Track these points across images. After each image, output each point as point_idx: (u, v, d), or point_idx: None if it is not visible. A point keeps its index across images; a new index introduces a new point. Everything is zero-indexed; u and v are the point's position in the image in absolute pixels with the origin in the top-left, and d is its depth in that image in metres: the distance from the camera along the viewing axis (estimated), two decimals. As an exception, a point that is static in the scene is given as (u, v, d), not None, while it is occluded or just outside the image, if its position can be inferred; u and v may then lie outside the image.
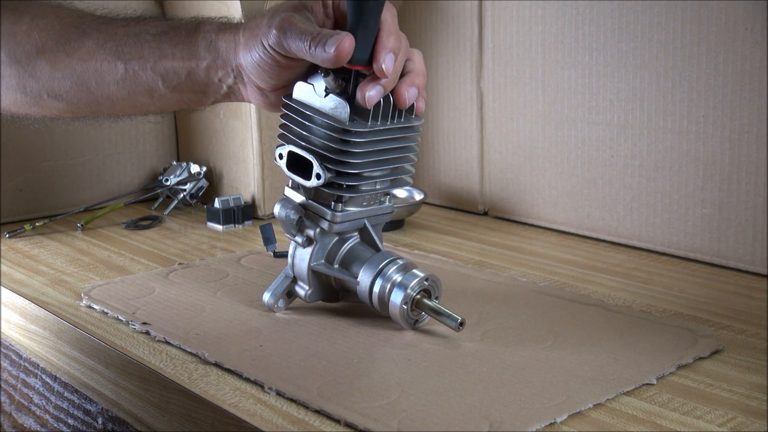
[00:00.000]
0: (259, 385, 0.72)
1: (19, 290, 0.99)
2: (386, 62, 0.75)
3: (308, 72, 0.81)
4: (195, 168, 1.34)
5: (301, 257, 0.85)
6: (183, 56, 0.82)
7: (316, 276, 0.85)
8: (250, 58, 0.79)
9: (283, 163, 0.83)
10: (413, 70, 0.79)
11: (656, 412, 0.66)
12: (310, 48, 0.75)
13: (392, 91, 0.78)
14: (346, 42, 0.74)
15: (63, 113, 0.89)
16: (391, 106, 0.80)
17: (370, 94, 0.76)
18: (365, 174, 0.81)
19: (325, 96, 0.80)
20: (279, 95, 0.82)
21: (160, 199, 1.36)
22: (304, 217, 0.83)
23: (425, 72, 0.80)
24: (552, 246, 1.12)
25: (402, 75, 0.79)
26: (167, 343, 0.81)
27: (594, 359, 0.75)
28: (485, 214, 1.29)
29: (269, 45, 0.77)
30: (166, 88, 0.83)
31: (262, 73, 0.79)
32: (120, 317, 0.88)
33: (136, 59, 0.83)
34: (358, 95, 0.77)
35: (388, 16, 0.76)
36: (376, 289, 0.81)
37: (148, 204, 1.38)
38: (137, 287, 0.97)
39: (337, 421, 0.66)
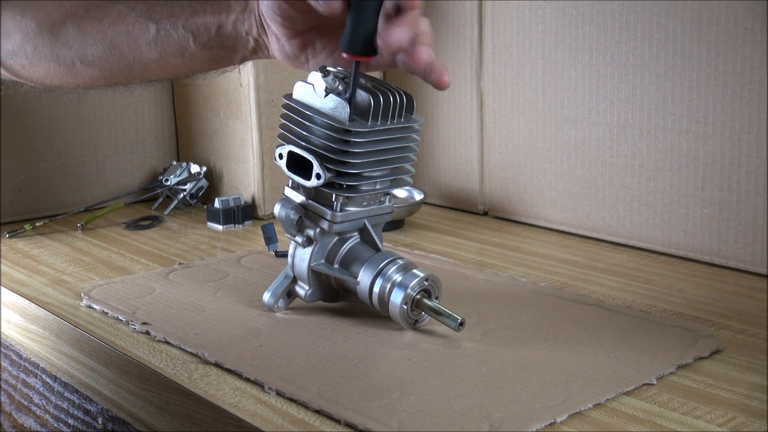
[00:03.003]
0: (259, 385, 0.72)
1: (19, 290, 0.99)
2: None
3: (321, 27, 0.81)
4: (195, 168, 1.34)
5: (301, 257, 0.85)
6: (213, 10, 0.82)
7: (316, 276, 0.85)
8: (266, 2, 0.79)
9: (283, 163, 0.83)
10: (424, 32, 0.78)
11: (656, 412, 0.66)
12: None
13: (409, 54, 0.77)
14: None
15: (96, 81, 0.90)
16: (391, 106, 0.80)
17: (400, 36, 0.75)
18: (365, 174, 0.81)
19: (325, 96, 0.80)
20: (295, 46, 0.82)
21: (160, 199, 1.36)
22: (304, 217, 0.83)
23: (434, 34, 0.79)
24: (552, 246, 1.12)
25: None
26: (167, 343, 0.81)
27: (594, 359, 0.75)
28: (485, 214, 1.29)
29: None
30: (197, 45, 0.83)
31: (276, 17, 0.79)
32: (120, 317, 0.88)
33: (167, 18, 0.84)
34: (392, 35, 0.75)
35: None
36: (376, 289, 0.81)
37: (148, 204, 1.38)
38: (137, 287, 0.97)
39: (337, 421, 0.66)
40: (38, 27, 0.88)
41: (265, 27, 0.81)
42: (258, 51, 0.84)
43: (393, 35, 0.75)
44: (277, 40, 0.82)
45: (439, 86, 0.80)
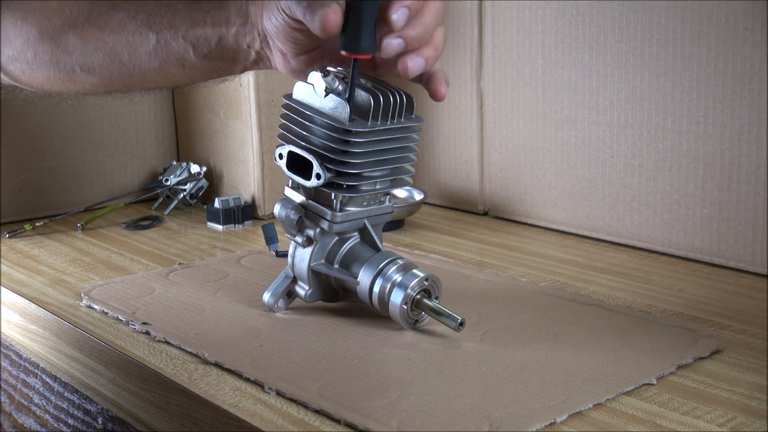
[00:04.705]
0: (259, 385, 0.72)
1: (19, 290, 0.99)
2: (398, 14, 0.74)
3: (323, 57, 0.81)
4: (195, 168, 1.34)
5: (301, 257, 0.85)
6: (214, 22, 0.82)
7: (316, 276, 0.85)
8: (270, 22, 0.79)
9: (283, 163, 0.83)
10: (428, 42, 0.78)
11: (656, 412, 0.66)
12: (305, 15, 0.75)
13: (398, 60, 0.77)
14: (330, 14, 0.73)
15: (96, 88, 0.90)
16: (391, 106, 0.80)
17: (390, 42, 0.75)
18: (365, 174, 0.81)
19: (325, 96, 0.80)
20: (301, 62, 0.82)
21: (160, 199, 1.36)
22: (304, 217, 0.83)
23: (441, 47, 0.79)
24: (552, 246, 1.12)
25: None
26: (167, 343, 0.81)
27: (594, 359, 0.75)
28: (485, 214, 1.29)
29: (281, 9, 0.77)
30: (197, 56, 0.83)
31: (281, 37, 0.79)
32: (120, 317, 0.88)
33: (168, 29, 0.84)
34: (382, 45, 0.76)
35: None
36: (376, 289, 0.81)
37: (148, 204, 1.38)
38: (137, 287, 0.97)
39: (337, 421, 0.66)
40: (39, 33, 0.88)
41: (270, 42, 0.81)
42: (260, 62, 0.84)
43: (414, 64, 0.76)
44: (282, 56, 0.82)
45: (435, 96, 0.80)
